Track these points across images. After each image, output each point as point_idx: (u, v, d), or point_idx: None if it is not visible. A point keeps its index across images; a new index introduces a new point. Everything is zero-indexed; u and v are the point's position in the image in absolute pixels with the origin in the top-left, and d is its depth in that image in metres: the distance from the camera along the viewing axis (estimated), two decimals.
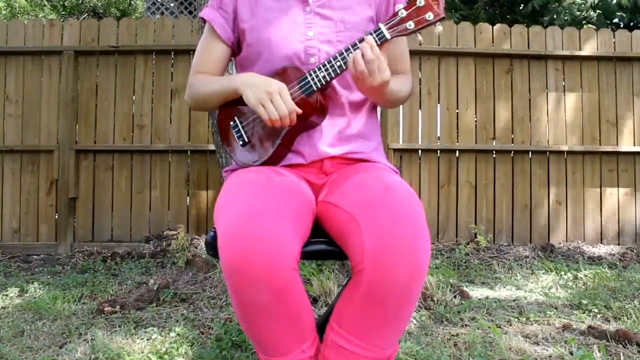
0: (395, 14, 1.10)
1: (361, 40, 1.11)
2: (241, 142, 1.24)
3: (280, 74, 1.19)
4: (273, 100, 1.11)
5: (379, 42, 1.10)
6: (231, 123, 1.25)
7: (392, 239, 0.96)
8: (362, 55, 1.07)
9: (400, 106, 3.56)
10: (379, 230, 0.97)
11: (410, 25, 1.09)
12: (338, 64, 1.14)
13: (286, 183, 1.12)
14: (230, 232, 0.96)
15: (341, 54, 1.14)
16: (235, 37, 1.30)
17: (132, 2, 10.80)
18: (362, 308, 0.99)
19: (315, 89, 1.16)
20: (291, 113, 1.12)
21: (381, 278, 0.95)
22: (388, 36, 1.10)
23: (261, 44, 1.23)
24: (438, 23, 1.09)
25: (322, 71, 1.15)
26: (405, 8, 1.10)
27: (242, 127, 1.23)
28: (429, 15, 1.08)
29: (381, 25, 1.11)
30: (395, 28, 1.10)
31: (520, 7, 6.63)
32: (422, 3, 1.08)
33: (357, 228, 1.00)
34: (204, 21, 1.32)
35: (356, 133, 1.27)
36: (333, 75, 1.15)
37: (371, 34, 1.11)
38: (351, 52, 1.12)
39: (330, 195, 1.14)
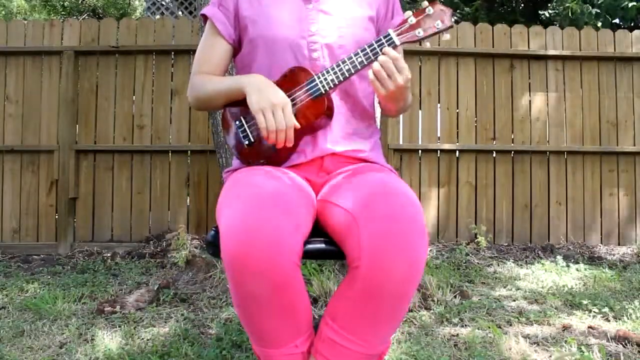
0: (405, 21, 1.11)
1: (370, 46, 1.13)
2: (247, 142, 1.23)
3: (289, 76, 1.19)
4: (275, 112, 1.11)
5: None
6: (237, 122, 1.24)
7: (389, 236, 0.96)
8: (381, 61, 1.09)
9: None
10: (376, 228, 0.98)
11: (419, 33, 1.11)
12: (347, 67, 1.14)
13: (288, 181, 1.13)
14: (232, 226, 0.96)
15: (350, 57, 1.14)
16: (236, 34, 1.30)
17: (131, 3, 10.80)
18: (357, 304, 0.99)
19: (323, 92, 1.16)
20: (289, 129, 1.12)
21: (377, 275, 0.96)
22: (397, 42, 1.12)
23: (263, 38, 1.23)
24: (446, 31, 1.11)
25: (330, 74, 1.15)
26: (415, 15, 1.11)
27: (248, 127, 1.23)
28: (438, 24, 1.10)
29: (391, 32, 1.12)
30: (405, 35, 1.11)
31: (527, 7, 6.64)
32: (432, 11, 1.10)
33: (355, 225, 1.01)
34: (205, 19, 1.32)
35: (355, 132, 1.28)
36: (342, 79, 1.15)
37: (381, 39, 1.12)
38: (360, 56, 1.14)
39: (330, 194, 1.15)
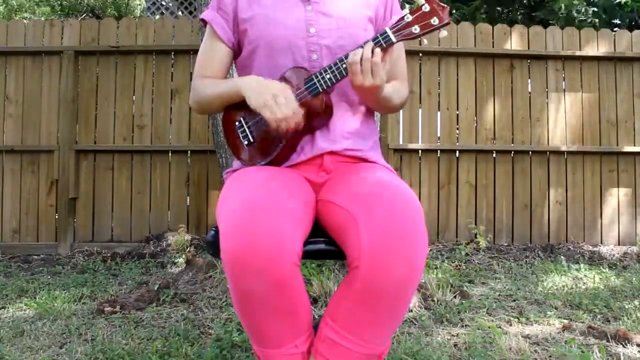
0: (402, 19, 1.12)
1: (367, 44, 1.13)
2: (246, 142, 1.24)
3: (287, 76, 1.20)
4: (277, 101, 1.11)
5: (384, 45, 1.11)
6: (236, 123, 1.25)
7: (389, 236, 0.97)
8: (362, 53, 1.10)
9: None
10: (376, 227, 0.98)
11: (415, 30, 1.11)
12: (344, 66, 1.14)
13: (288, 181, 1.13)
14: (233, 224, 0.97)
15: (347, 56, 1.14)
16: (235, 38, 1.31)
17: (130, 3, 10.80)
18: (357, 304, 0.99)
19: (321, 90, 1.16)
20: (296, 113, 1.12)
21: (377, 275, 0.96)
22: (394, 39, 1.12)
23: (263, 40, 1.24)
24: (443, 28, 1.11)
25: (328, 73, 1.15)
26: (411, 13, 1.12)
27: (248, 127, 1.23)
28: (434, 20, 1.10)
29: (387, 29, 1.12)
30: (401, 32, 1.12)
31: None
32: (428, 8, 1.10)
33: (355, 225, 1.01)
34: (205, 23, 1.32)
35: (354, 131, 1.28)
36: (339, 78, 1.16)
37: (377, 37, 1.12)
38: None
39: (330, 194, 1.15)
